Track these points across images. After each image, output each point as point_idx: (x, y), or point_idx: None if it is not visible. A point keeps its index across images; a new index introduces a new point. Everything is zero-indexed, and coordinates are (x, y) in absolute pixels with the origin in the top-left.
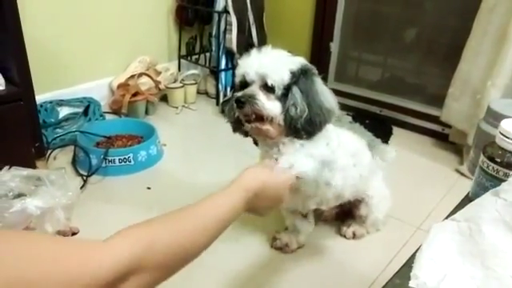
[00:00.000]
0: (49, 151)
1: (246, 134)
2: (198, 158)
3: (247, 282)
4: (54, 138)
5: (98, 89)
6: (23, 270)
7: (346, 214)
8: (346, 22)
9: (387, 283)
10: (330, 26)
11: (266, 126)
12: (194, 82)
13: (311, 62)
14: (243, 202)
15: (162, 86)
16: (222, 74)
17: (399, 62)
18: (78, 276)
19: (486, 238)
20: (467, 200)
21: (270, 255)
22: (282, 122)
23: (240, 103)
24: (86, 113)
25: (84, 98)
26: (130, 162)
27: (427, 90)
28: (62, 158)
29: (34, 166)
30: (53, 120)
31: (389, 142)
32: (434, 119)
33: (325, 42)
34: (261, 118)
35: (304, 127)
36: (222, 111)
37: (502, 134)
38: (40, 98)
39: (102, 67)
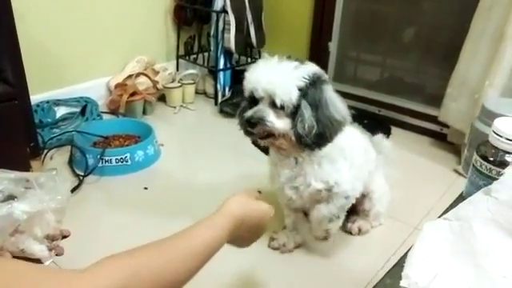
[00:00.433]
0: (45, 151)
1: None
2: (195, 158)
3: (243, 282)
4: (51, 138)
5: (96, 88)
6: None
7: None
8: (344, 22)
9: (378, 283)
10: (328, 25)
11: (279, 141)
12: (192, 81)
13: (310, 61)
14: (227, 231)
15: (159, 86)
16: (221, 74)
17: (398, 62)
18: None
19: (477, 237)
20: (461, 199)
21: (267, 255)
22: (293, 138)
23: (251, 124)
24: (83, 113)
25: (81, 97)
26: (126, 161)
27: (425, 90)
28: (58, 157)
29: (28, 166)
30: (50, 120)
31: None
32: (433, 119)
33: (323, 42)
34: (273, 134)
35: (314, 142)
36: (221, 111)
37: (495, 133)
38: (37, 97)
39: (100, 67)
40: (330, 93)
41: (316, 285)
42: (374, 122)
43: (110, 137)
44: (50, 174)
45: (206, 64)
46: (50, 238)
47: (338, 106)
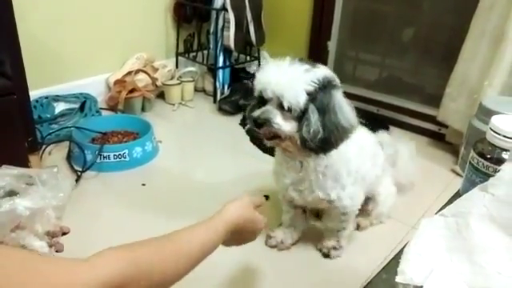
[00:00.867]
0: (44, 146)
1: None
2: (193, 155)
3: (240, 281)
4: (50, 134)
5: (95, 85)
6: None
7: None
8: (343, 21)
9: (374, 278)
10: (327, 24)
11: (285, 143)
12: (191, 79)
13: (309, 60)
14: (222, 236)
15: (158, 83)
16: (220, 72)
17: (396, 62)
18: None
19: (473, 234)
20: (458, 197)
21: (264, 253)
22: (298, 141)
23: (257, 124)
24: (82, 109)
25: (80, 93)
26: (125, 158)
27: (424, 90)
28: (56, 153)
29: (26, 161)
30: (48, 115)
31: None
32: (431, 119)
33: (323, 41)
34: (279, 136)
35: (318, 147)
36: (219, 109)
37: (492, 130)
38: (36, 93)
39: (99, 63)
40: (339, 98)
41: (313, 282)
42: (372, 122)
43: (108, 133)
44: (51, 171)
45: (205, 62)
46: (51, 235)
47: (346, 113)
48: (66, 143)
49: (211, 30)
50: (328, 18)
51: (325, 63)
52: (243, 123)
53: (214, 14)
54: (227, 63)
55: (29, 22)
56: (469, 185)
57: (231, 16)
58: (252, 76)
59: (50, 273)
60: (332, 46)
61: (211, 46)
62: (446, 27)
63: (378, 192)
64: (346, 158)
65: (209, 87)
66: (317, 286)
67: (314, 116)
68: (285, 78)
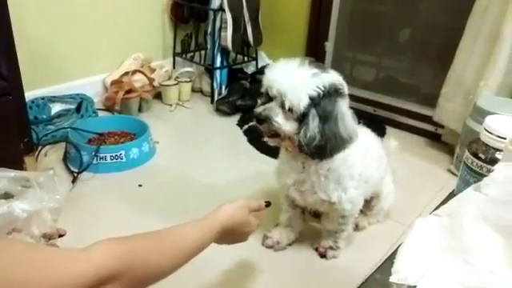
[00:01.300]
0: (40, 147)
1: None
2: (190, 156)
3: (236, 282)
4: (46, 135)
5: (92, 85)
6: (7, 277)
7: None
8: (341, 22)
9: (368, 278)
10: (325, 25)
11: (285, 142)
12: (188, 79)
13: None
14: (214, 236)
15: (156, 84)
16: (217, 72)
17: (393, 62)
18: (58, 282)
19: (467, 234)
20: (453, 197)
21: (260, 253)
22: (296, 143)
23: (258, 120)
24: (78, 109)
25: (77, 94)
26: (121, 158)
27: (421, 90)
28: (53, 154)
29: (22, 162)
30: (45, 116)
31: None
32: (427, 119)
33: (320, 42)
34: (279, 134)
35: (313, 153)
36: (217, 109)
37: (486, 131)
38: (32, 94)
39: (96, 64)
40: (342, 107)
41: (309, 282)
42: (369, 122)
43: (105, 134)
44: (48, 173)
45: (202, 62)
46: (47, 237)
47: (348, 123)
48: (63, 144)
49: (208, 30)
50: (325, 18)
51: (322, 64)
52: (241, 124)
53: (211, 14)
54: (225, 64)
55: (25, 22)
56: (463, 185)
57: (228, 16)
58: (250, 76)
59: (46, 264)
60: (329, 46)
61: (208, 47)
62: (442, 28)
63: (381, 190)
64: (351, 162)
65: (206, 88)
66: (312, 286)
67: (313, 122)
68: (290, 78)
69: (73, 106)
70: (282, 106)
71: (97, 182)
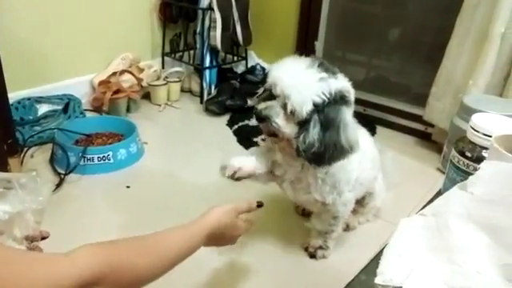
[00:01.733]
0: (26, 149)
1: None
2: (179, 156)
3: (225, 282)
4: (32, 136)
5: (79, 86)
6: None
7: None
8: (330, 22)
9: (353, 280)
10: (315, 24)
11: (282, 143)
12: (177, 79)
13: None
14: (204, 239)
15: (144, 84)
16: (207, 72)
17: (383, 62)
18: (41, 286)
19: (452, 233)
20: (439, 196)
21: (249, 253)
22: (294, 147)
23: (258, 118)
24: (65, 110)
25: (64, 94)
26: (109, 160)
27: (411, 90)
28: (39, 156)
29: (5, 164)
30: (31, 117)
31: None
32: (417, 118)
33: (310, 41)
34: (277, 135)
35: (310, 159)
36: (206, 109)
37: (472, 129)
38: (18, 94)
39: (84, 64)
40: (346, 116)
41: (298, 282)
42: (359, 121)
43: (92, 135)
44: (30, 174)
45: (191, 62)
46: (30, 239)
47: (349, 133)
48: (49, 145)
49: (197, 29)
50: (315, 18)
51: None
52: (230, 124)
53: (200, 13)
54: (214, 63)
55: (10, 21)
56: (450, 183)
57: (217, 16)
58: (239, 76)
59: (30, 269)
60: (319, 46)
61: (198, 46)
62: (431, 27)
63: (374, 188)
64: (349, 168)
65: (195, 87)
66: (301, 286)
67: (314, 128)
68: (297, 80)
69: (60, 107)
70: (284, 107)
71: (84, 183)
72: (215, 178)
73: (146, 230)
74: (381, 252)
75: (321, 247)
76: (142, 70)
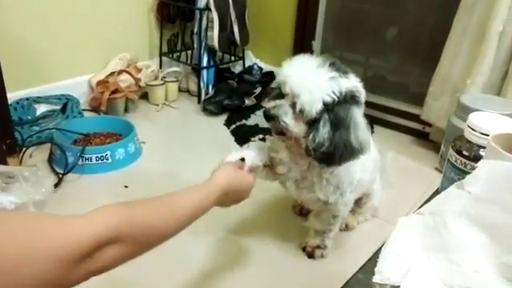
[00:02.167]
0: (24, 149)
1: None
2: (177, 156)
3: (221, 281)
4: (30, 136)
5: (77, 86)
6: (13, 245)
7: None
8: (328, 21)
9: (351, 278)
10: (311, 24)
11: (290, 142)
12: (175, 79)
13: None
14: (215, 197)
15: (142, 84)
16: (204, 72)
17: (380, 61)
18: (61, 246)
19: (450, 232)
20: (437, 195)
21: (246, 253)
22: (303, 146)
23: (266, 117)
24: (63, 110)
25: (62, 95)
26: (107, 159)
27: (408, 89)
28: (37, 155)
29: (4, 163)
30: (29, 117)
31: None
32: (415, 118)
33: (307, 41)
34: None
35: (320, 158)
36: (204, 109)
37: (469, 128)
38: (16, 94)
39: (82, 64)
40: (357, 116)
41: (296, 281)
42: None
43: (90, 134)
44: (32, 168)
45: (189, 62)
46: None
47: (360, 133)
48: (48, 145)
49: (195, 29)
50: (312, 17)
51: None
52: (228, 123)
53: (197, 13)
54: (211, 63)
55: (8, 21)
56: (448, 182)
57: (215, 16)
58: (237, 76)
59: (50, 229)
60: (316, 45)
61: (195, 46)
62: (429, 26)
63: (372, 189)
64: (353, 170)
65: (193, 87)
66: (299, 286)
67: (324, 127)
68: (307, 79)
69: (58, 107)
70: (294, 105)
71: (82, 183)
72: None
73: None
74: (379, 251)
75: (319, 246)
76: (139, 70)
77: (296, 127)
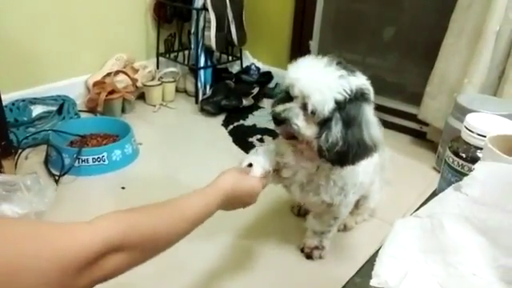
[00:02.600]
0: (20, 150)
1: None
2: (175, 157)
3: (219, 282)
4: (26, 137)
5: (74, 87)
6: (5, 252)
7: None
8: (325, 21)
9: (348, 282)
10: (309, 24)
11: (301, 145)
12: (172, 79)
13: (290, 60)
14: (219, 202)
15: (139, 84)
16: (201, 72)
17: (378, 61)
18: (64, 254)
19: (447, 235)
20: (434, 196)
21: (243, 253)
22: (315, 148)
23: (276, 121)
24: (60, 111)
25: (58, 96)
26: (103, 161)
27: (405, 89)
28: (34, 157)
29: None
30: (25, 119)
31: None
32: (412, 117)
33: (304, 41)
34: (297, 137)
35: (333, 159)
36: (201, 110)
37: (466, 129)
38: (12, 95)
39: (78, 64)
40: (368, 113)
41: (294, 283)
42: None
43: (87, 136)
44: (33, 176)
45: (186, 62)
46: None
47: (372, 130)
48: (44, 147)
49: (192, 29)
50: (309, 17)
51: None
52: (225, 124)
53: (194, 13)
54: (209, 63)
55: (4, 21)
56: (445, 184)
57: (212, 16)
58: (234, 76)
59: (53, 237)
60: (314, 45)
61: (192, 46)
62: (426, 26)
63: (370, 190)
64: (356, 171)
65: (190, 88)
66: (297, 287)
67: (336, 126)
68: (316, 80)
69: (54, 108)
70: (304, 107)
71: (79, 185)
72: (211, 177)
73: None
74: (375, 254)
75: (317, 247)
76: (136, 71)
77: (308, 129)
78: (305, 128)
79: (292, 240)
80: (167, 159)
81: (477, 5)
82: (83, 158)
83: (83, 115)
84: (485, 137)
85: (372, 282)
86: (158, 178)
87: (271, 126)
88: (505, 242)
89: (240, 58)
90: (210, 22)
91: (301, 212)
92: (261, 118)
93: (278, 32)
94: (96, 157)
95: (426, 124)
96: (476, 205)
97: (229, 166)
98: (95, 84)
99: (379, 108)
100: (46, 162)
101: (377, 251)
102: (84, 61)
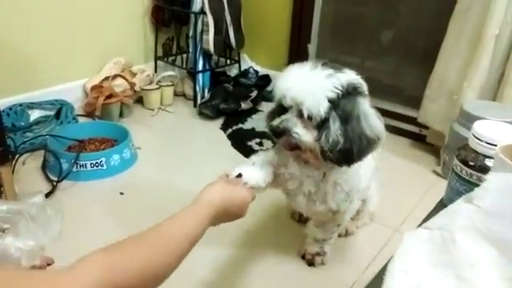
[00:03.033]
0: (17, 156)
1: None
2: (173, 161)
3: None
4: (24, 142)
5: (72, 91)
6: None
7: None
8: (323, 24)
9: None
10: (307, 27)
11: (306, 155)
12: (170, 83)
13: (289, 63)
14: (208, 218)
15: (137, 88)
16: (200, 76)
17: (376, 64)
18: None
19: (459, 248)
20: (441, 205)
21: (246, 258)
22: (318, 151)
23: (276, 134)
24: (57, 116)
25: (56, 100)
26: (102, 166)
27: (405, 92)
28: (31, 162)
29: None
30: (23, 123)
31: None
32: (412, 120)
33: (302, 44)
34: (300, 147)
35: (338, 158)
36: (200, 113)
37: (475, 137)
38: (9, 100)
39: (76, 69)
40: (364, 106)
41: None
42: None
43: (85, 140)
44: (39, 203)
45: (184, 66)
46: (37, 268)
47: (372, 122)
48: (41, 152)
49: (190, 33)
50: (307, 20)
51: None
52: (224, 127)
53: (192, 17)
54: (207, 67)
55: (1, 26)
56: (452, 193)
57: (210, 19)
58: (232, 79)
59: (35, 285)
60: (312, 48)
61: (190, 50)
62: (424, 29)
63: (367, 194)
64: (358, 176)
65: (189, 91)
66: None
67: (334, 125)
68: (305, 84)
69: (52, 113)
70: (300, 115)
71: (77, 190)
72: (209, 181)
73: None
74: (384, 268)
75: (318, 253)
76: (134, 75)
77: (308, 135)
78: (305, 135)
79: (293, 247)
80: (166, 163)
81: (476, 8)
82: (81, 163)
83: (81, 120)
84: (494, 145)
85: None
86: (157, 183)
87: None
88: None
89: (238, 62)
90: (208, 25)
91: (301, 218)
92: (259, 121)
93: (277, 35)
94: (94, 162)
95: (426, 127)
96: (488, 217)
97: (227, 169)
98: (93, 88)
99: (378, 111)
100: (44, 167)
101: (385, 265)
102: (82, 65)
